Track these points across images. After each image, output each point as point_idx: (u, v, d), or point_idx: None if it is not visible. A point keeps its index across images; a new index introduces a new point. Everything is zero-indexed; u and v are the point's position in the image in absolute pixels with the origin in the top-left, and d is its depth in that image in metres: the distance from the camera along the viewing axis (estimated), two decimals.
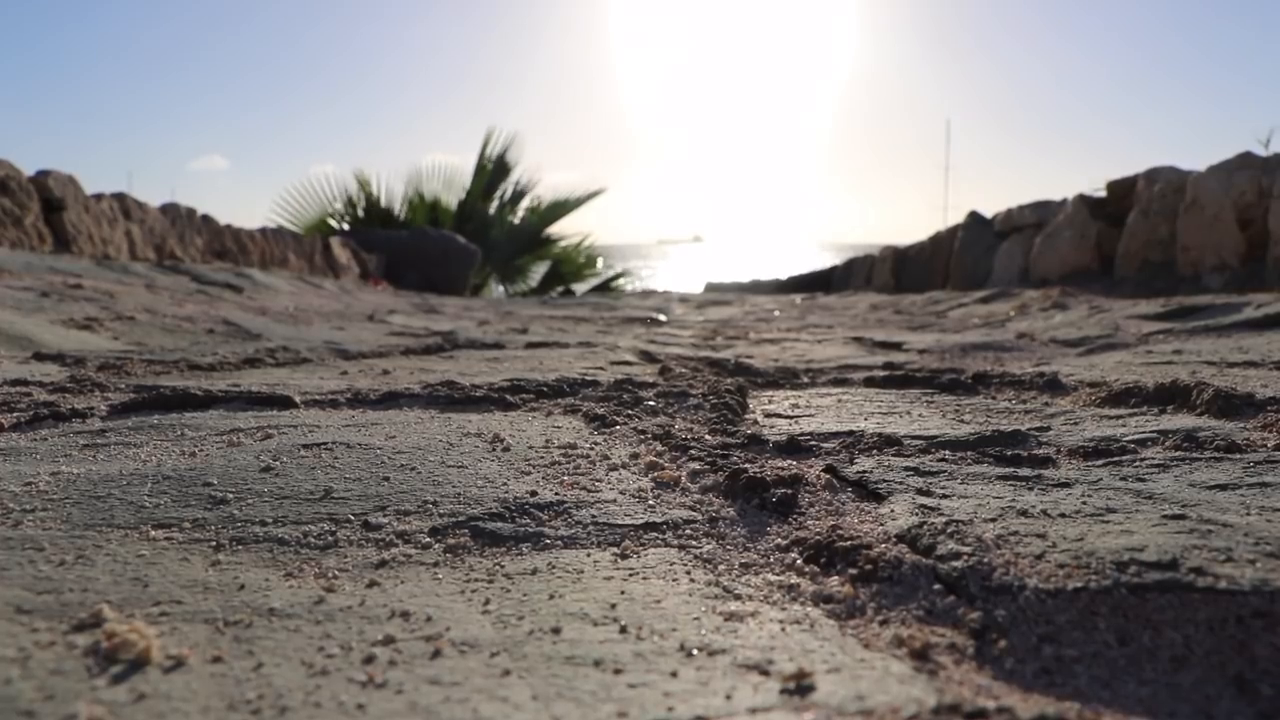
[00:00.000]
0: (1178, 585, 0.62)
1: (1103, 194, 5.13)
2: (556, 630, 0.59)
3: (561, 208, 12.22)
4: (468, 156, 12.29)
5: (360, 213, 11.60)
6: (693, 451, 1.10)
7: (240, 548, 0.75)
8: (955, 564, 0.68)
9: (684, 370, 2.00)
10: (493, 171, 12.16)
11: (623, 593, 0.66)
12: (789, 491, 0.90)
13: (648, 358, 2.34)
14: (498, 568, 0.72)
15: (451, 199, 12.01)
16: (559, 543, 0.78)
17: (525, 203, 12.27)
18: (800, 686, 0.51)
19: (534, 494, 0.91)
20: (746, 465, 1.00)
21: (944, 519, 0.78)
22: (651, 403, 1.51)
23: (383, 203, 11.88)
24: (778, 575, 0.70)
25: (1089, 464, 1.04)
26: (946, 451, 1.11)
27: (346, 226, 11.30)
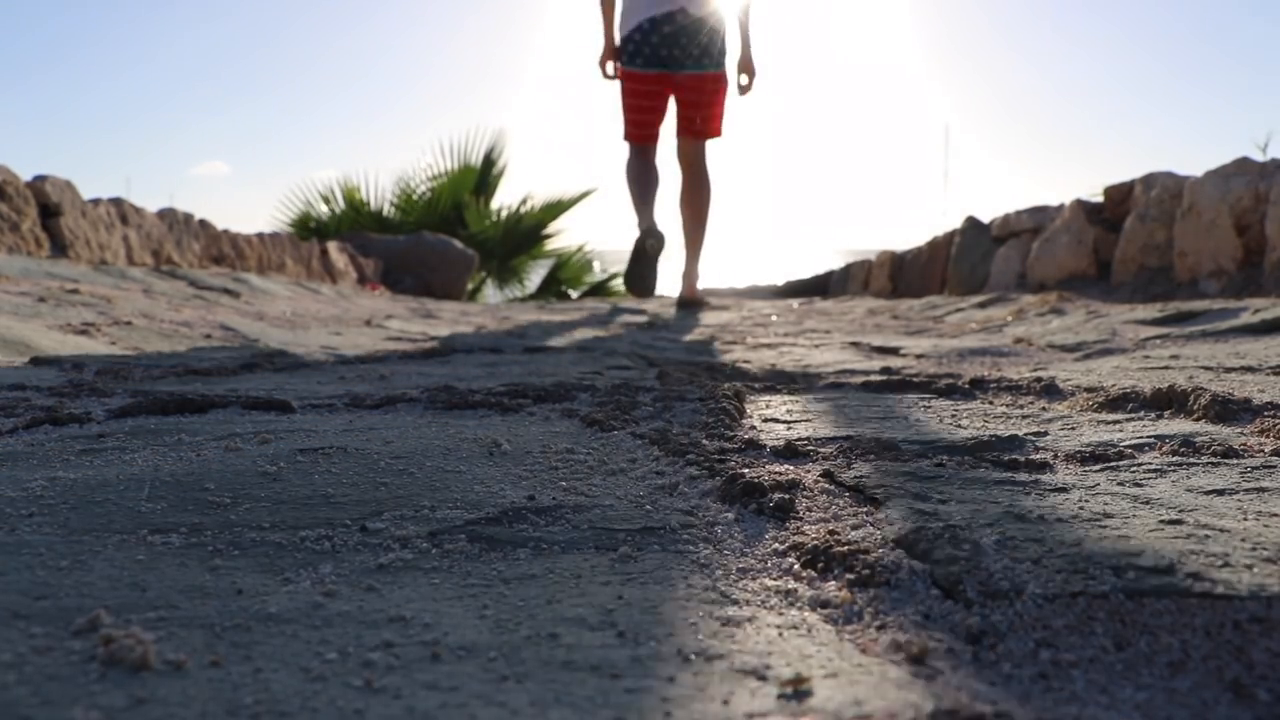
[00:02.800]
0: (1175, 590, 0.62)
1: (1100, 199, 5.14)
2: (554, 635, 0.59)
3: (555, 208, 12.21)
4: (462, 157, 12.26)
5: (350, 216, 11.59)
6: (690, 456, 1.10)
7: (238, 552, 0.75)
8: (952, 569, 0.68)
9: (681, 375, 2.00)
10: (481, 170, 12.13)
11: (620, 597, 0.66)
12: (786, 496, 0.90)
13: (645, 362, 2.34)
14: (495, 572, 0.72)
15: (444, 200, 11.98)
16: (556, 547, 0.78)
17: (518, 203, 12.26)
18: (797, 691, 0.51)
19: (532, 498, 0.92)
20: (744, 470, 1.00)
21: (941, 524, 0.79)
22: (649, 407, 1.51)
23: (373, 206, 11.86)
24: (775, 580, 0.71)
25: (1086, 469, 1.04)
26: (944, 456, 1.11)
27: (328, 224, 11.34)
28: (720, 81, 4.51)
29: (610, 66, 4.68)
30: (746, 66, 4.73)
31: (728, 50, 4.55)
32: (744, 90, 4.76)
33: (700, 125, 4.49)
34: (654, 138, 4.68)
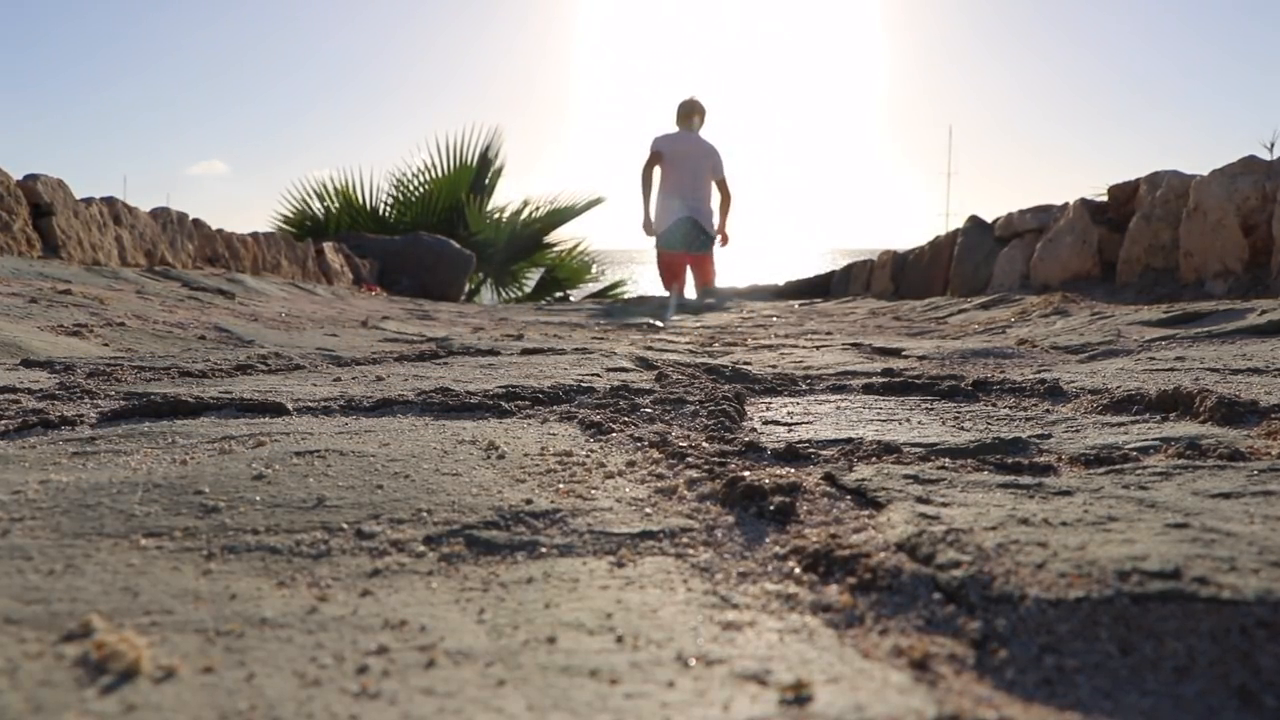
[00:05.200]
0: (1180, 595, 0.61)
1: (1104, 199, 5.13)
2: (552, 640, 0.58)
3: (560, 215, 12.21)
4: (459, 155, 12.25)
5: (348, 217, 11.58)
6: (690, 459, 1.09)
7: (232, 557, 0.74)
8: (955, 573, 0.67)
9: (681, 377, 1.99)
10: (478, 168, 12.11)
11: (619, 602, 0.65)
12: (787, 499, 0.89)
13: (644, 364, 2.33)
14: (492, 577, 0.71)
15: (440, 199, 11.99)
16: (555, 551, 0.77)
17: (520, 206, 12.25)
18: (798, 697, 0.50)
19: (529, 502, 0.91)
20: (744, 473, 0.99)
21: (943, 527, 0.78)
22: (648, 410, 1.51)
23: (369, 204, 11.85)
24: (776, 584, 0.70)
25: (1090, 472, 1.04)
26: (946, 459, 1.11)
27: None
28: (710, 257, 7.87)
29: (648, 230, 7.82)
30: (721, 232, 7.87)
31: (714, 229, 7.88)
32: (723, 245, 7.94)
33: (701, 279, 7.95)
34: (682, 284, 7.89)
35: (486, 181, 12.26)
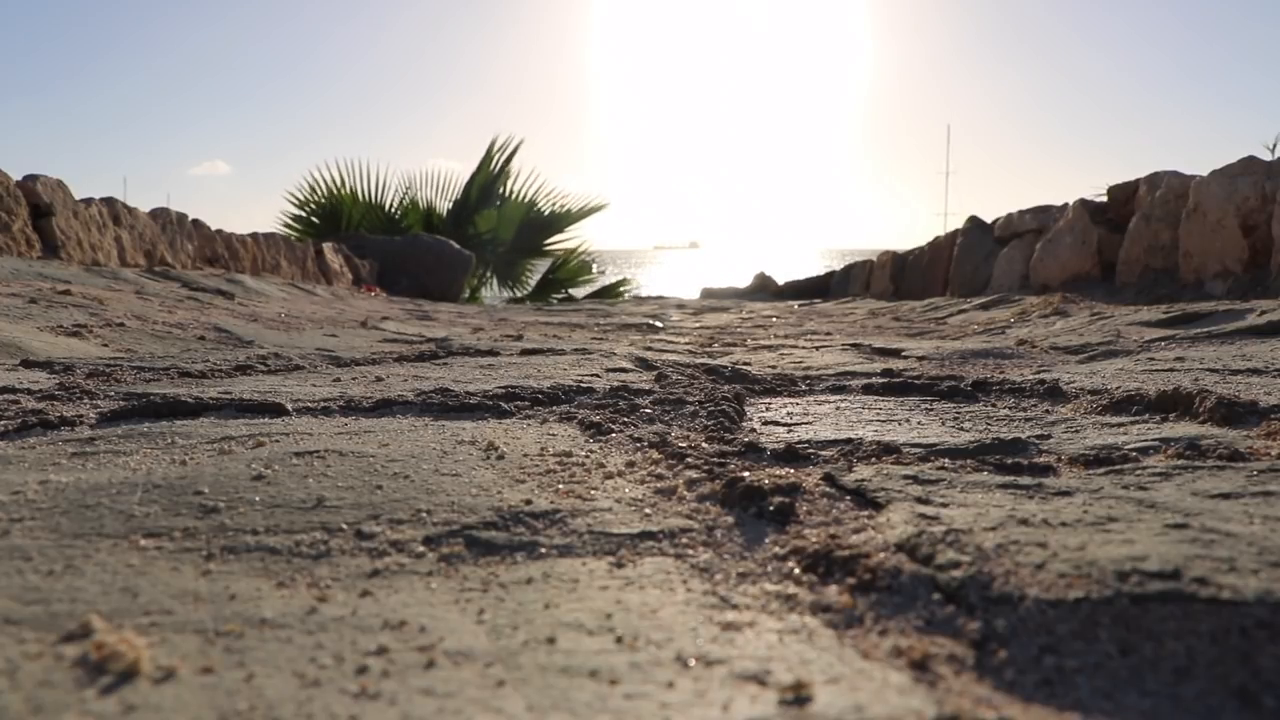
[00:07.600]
0: (1180, 595, 0.61)
1: (1104, 199, 5.13)
2: (551, 640, 0.58)
3: (563, 219, 12.29)
4: (467, 163, 12.51)
5: (360, 210, 11.63)
6: (689, 460, 1.09)
7: (231, 557, 0.74)
8: (955, 573, 0.67)
9: (680, 378, 1.99)
10: (493, 176, 12.21)
11: (619, 602, 0.65)
12: (786, 500, 0.89)
13: (644, 365, 2.33)
14: (492, 577, 0.71)
15: (447, 203, 12.07)
16: (554, 552, 0.77)
17: (523, 205, 12.31)
18: (798, 697, 0.50)
19: (529, 503, 0.91)
20: (744, 473, 0.99)
21: (943, 528, 0.78)
22: (648, 410, 1.51)
23: (374, 201, 11.90)
24: (775, 584, 0.70)
25: (1090, 472, 1.03)
26: (946, 460, 1.11)
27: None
28: None
29: None
30: None
31: None
32: None
33: None
34: None
35: (499, 190, 12.35)
